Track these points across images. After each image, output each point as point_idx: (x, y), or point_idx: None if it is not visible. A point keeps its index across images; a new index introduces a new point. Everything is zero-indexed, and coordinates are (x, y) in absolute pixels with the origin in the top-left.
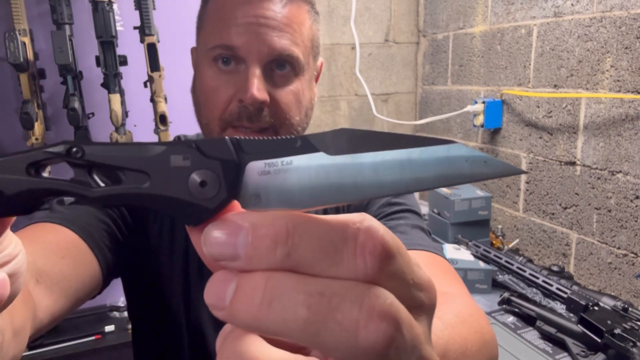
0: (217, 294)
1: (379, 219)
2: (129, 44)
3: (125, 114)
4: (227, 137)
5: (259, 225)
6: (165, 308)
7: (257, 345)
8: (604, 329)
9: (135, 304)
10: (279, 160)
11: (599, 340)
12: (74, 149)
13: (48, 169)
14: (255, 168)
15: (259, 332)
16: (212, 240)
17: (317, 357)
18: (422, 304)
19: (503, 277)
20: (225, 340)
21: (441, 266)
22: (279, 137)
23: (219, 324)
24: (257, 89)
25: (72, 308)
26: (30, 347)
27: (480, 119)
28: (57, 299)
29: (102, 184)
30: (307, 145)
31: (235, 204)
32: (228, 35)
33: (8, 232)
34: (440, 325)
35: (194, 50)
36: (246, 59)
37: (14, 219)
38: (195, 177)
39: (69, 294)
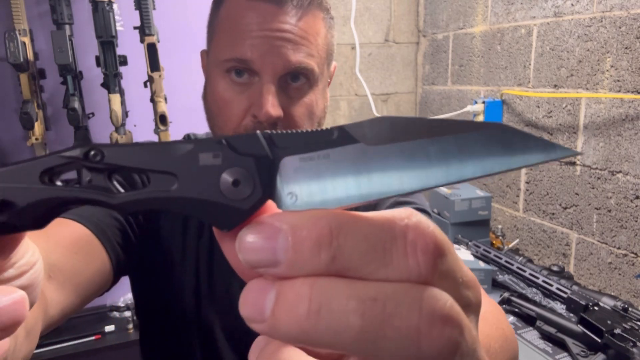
0: (255, 304)
1: (389, 206)
2: (129, 44)
3: (125, 114)
4: (259, 132)
5: (299, 227)
6: (176, 308)
7: (297, 357)
8: (604, 329)
9: (144, 304)
10: (315, 154)
11: (599, 340)
12: (92, 152)
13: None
14: (290, 164)
15: (305, 344)
16: (248, 245)
17: None
18: (470, 303)
19: (503, 277)
20: (262, 354)
21: None
22: (314, 130)
23: (229, 327)
24: (272, 105)
25: (82, 304)
26: None
27: (480, 119)
28: (68, 294)
29: (123, 190)
30: (345, 136)
31: (271, 204)
32: (242, 48)
33: (25, 239)
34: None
35: (204, 54)
36: (260, 73)
37: (26, 233)
38: (227, 176)
39: (80, 289)
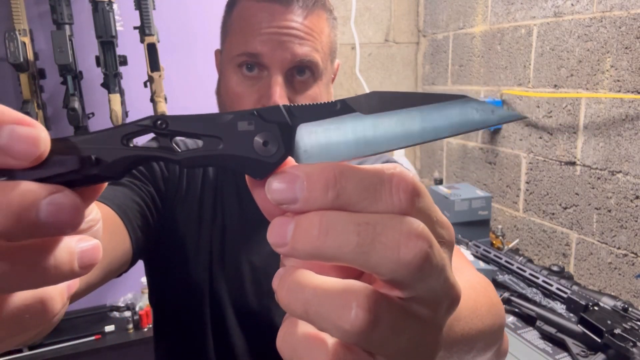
0: (279, 233)
1: None
2: (129, 44)
3: (125, 114)
4: (281, 105)
5: (312, 174)
6: (189, 284)
7: (309, 274)
8: (604, 329)
9: (158, 288)
10: (323, 122)
11: (599, 340)
12: (159, 121)
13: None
14: (305, 129)
15: (317, 259)
16: (274, 188)
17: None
18: (443, 238)
19: (503, 277)
20: (283, 277)
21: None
22: (323, 102)
23: (238, 303)
24: (280, 96)
25: (103, 281)
26: (30, 347)
27: None
28: (94, 269)
29: (183, 149)
30: (345, 107)
31: (290, 159)
32: (253, 43)
33: None
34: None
35: (217, 53)
36: (269, 66)
37: (106, 184)
38: (259, 138)
39: (103, 265)
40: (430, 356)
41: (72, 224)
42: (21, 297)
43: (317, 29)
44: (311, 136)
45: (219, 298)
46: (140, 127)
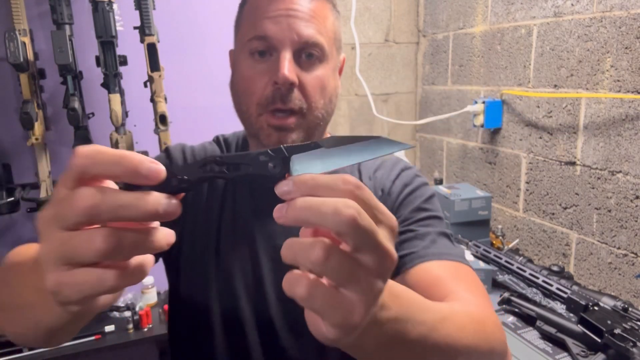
0: (279, 210)
1: (410, 224)
2: (129, 44)
3: (125, 114)
4: (282, 146)
5: (299, 178)
6: (199, 264)
7: (297, 237)
8: (604, 329)
9: (174, 286)
10: (305, 153)
11: (599, 340)
12: (218, 158)
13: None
14: (295, 157)
15: (301, 224)
16: (280, 188)
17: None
18: (381, 219)
19: (503, 277)
20: (286, 242)
21: (465, 274)
22: (305, 143)
23: (245, 279)
24: (288, 70)
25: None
26: (30, 347)
27: (480, 119)
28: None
29: (231, 172)
30: (316, 145)
31: (287, 175)
32: (262, 26)
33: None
34: (438, 316)
35: (232, 53)
36: (278, 47)
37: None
38: (271, 164)
39: None
40: (372, 294)
41: (175, 215)
42: (137, 260)
43: (321, 15)
44: (299, 161)
45: (227, 274)
46: (209, 160)
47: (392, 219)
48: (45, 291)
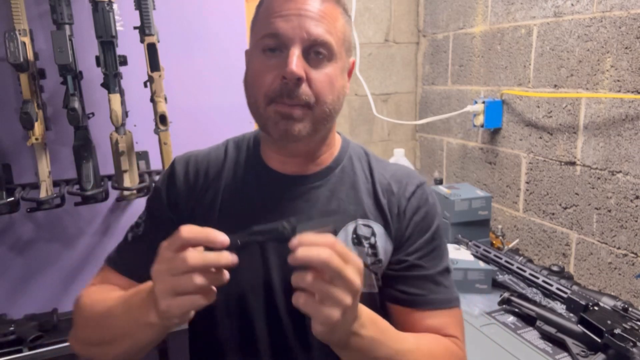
0: (290, 255)
1: (421, 257)
2: (129, 44)
3: (125, 114)
4: (291, 218)
5: (300, 239)
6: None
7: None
8: (604, 329)
9: None
10: (306, 222)
11: (599, 340)
12: (254, 227)
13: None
14: (299, 225)
15: (301, 261)
16: (292, 243)
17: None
18: (348, 261)
19: (503, 277)
20: (295, 276)
21: (458, 320)
22: (308, 221)
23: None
24: (296, 65)
25: None
26: (30, 347)
27: (480, 119)
28: None
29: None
30: (309, 217)
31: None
32: (274, 24)
33: None
34: (405, 346)
35: (247, 52)
36: (288, 44)
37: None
38: (288, 227)
39: None
40: (342, 305)
41: (235, 264)
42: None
43: (331, 16)
44: (300, 227)
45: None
46: (251, 232)
47: (358, 262)
48: (147, 320)
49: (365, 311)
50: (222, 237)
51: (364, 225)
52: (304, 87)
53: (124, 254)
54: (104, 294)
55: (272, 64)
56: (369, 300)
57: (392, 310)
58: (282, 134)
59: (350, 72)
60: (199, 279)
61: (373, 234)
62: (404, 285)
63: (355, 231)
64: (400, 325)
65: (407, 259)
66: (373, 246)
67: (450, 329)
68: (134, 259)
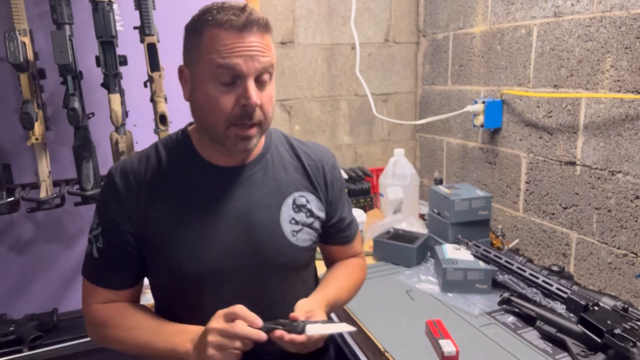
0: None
1: (344, 209)
2: (129, 44)
3: (125, 114)
4: (304, 321)
5: (308, 335)
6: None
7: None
8: (604, 329)
9: (154, 283)
10: (313, 324)
11: (599, 340)
12: (279, 322)
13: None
14: (307, 326)
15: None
16: (301, 337)
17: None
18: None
19: (503, 277)
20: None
21: (360, 237)
22: (318, 322)
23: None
24: (256, 96)
25: None
26: (30, 347)
27: (480, 119)
28: None
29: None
30: (321, 322)
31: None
32: (230, 60)
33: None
34: (345, 293)
35: (184, 70)
36: (243, 77)
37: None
38: (298, 327)
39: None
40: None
41: (263, 340)
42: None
43: (269, 45)
44: (309, 328)
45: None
46: (275, 322)
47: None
48: (185, 357)
49: (324, 302)
50: (259, 321)
51: (300, 196)
52: (257, 110)
53: (102, 272)
54: (134, 320)
55: (228, 92)
56: (312, 249)
57: (331, 248)
58: (241, 150)
59: None
60: (238, 344)
61: (307, 201)
62: (341, 233)
63: (294, 202)
64: (337, 254)
65: (339, 217)
66: (310, 210)
67: (359, 247)
68: (111, 274)
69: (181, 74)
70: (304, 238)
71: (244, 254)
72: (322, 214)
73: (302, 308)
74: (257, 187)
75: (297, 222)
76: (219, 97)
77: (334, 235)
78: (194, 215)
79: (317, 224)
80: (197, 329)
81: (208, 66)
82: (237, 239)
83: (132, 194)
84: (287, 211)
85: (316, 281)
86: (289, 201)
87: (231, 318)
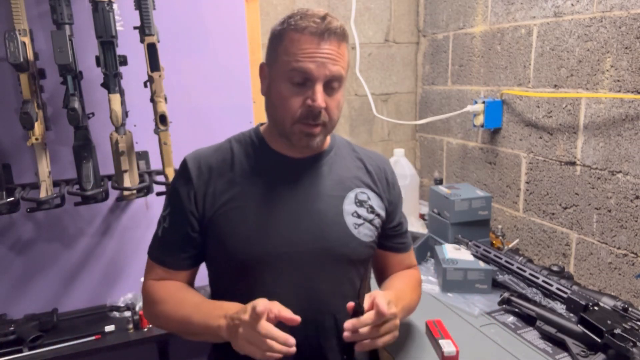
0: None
1: (402, 215)
2: (129, 44)
3: (125, 114)
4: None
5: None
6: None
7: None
8: (604, 329)
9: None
10: None
11: (599, 340)
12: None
13: None
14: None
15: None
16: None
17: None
18: (401, 307)
19: (503, 277)
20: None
21: (413, 251)
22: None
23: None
24: (321, 100)
25: None
26: (30, 347)
27: (480, 119)
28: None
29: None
30: None
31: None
32: (304, 64)
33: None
34: (408, 297)
35: (264, 67)
36: (313, 81)
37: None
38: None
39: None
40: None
41: (291, 344)
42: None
43: (343, 54)
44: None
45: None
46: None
47: (399, 306)
48: (219, 335)
49: (394, 297)
50: (294, 320)
51: (361, 192)
52: (323, 112)
53: (162, 250)
54: (180, 296)
55: (298, 92)
56: (372, 247)
57: (387, 255)
58: (304, 145)
59: None
60: (267, 343)
61: (369, 198)
62: (399, 238)
63: (356, 197)
64: (392, 263)
65: (398, 220)
66: (371, 206)
67: (414, 260)
68: (169, 252)
69: (262, 70)
70: (365, 233)
71: (306, 240)
72: (382, 212)
73: (383, 296)
74: (322, 179)
75: (359, 216)
76: (289, 96)
77: (392, 239)
78: (259, 201)
79: (377, 222)
80: (232, 307)
81: (284, 66)
82: (300, 226)
83: (202, 179)
84: (349, 204)
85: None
86: (351, 195)
87: (263, 313)
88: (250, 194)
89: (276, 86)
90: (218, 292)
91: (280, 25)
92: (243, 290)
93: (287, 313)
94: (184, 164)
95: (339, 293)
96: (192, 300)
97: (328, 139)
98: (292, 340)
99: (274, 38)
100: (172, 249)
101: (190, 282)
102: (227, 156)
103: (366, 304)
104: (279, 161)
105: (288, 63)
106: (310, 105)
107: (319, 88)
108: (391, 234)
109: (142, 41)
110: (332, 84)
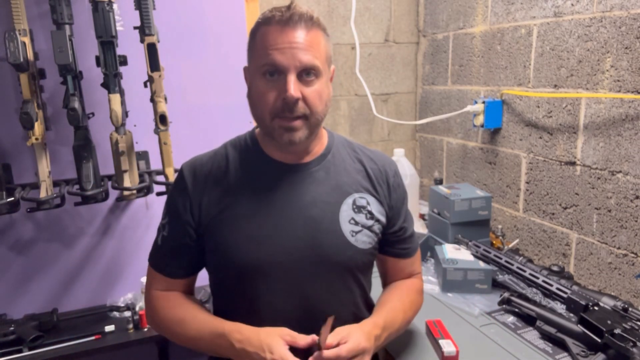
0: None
1: (406, 218)
2: (129, 44)
3: (125, 114)
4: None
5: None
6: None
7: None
8: (604, 329)
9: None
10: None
11: (599, 340)
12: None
13: None
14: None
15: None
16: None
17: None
18: (385, 331)
19: (503, 277)
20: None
21: (418, 255)
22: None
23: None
24: (294, 89)
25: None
26: (30, 347)
27: (480, 119)
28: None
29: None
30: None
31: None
32: (271, 56)
33: None
34: (398, 324)
35: (246, 70)
36: (285, 72)
37: None
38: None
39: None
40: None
41: None
42: None
43: (316, 42)
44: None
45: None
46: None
47: (386, 332)
48: (227, 355)
49: (377, 325)
50: (306, 341)
51: (360, 197)
52: (301, 104)
53: (161, 258)
54: (187, 312)
55: (272, 87)
56: (372, 254)
57: (389, 260)
58: (286, 141)
59: (331, 78)
60: None
61: (368, 203)
62: (401, 244)
63: (354, 202)
64: (394, 269)
65: (400, 225)
66: (370, 212)
67: (417, 267)
68: (169, 261)
69: (245, 73)
70: (363, 240)
71: (302, 248)
72: (382, 218)
73: (339, 333)
74: (318, 185)
75: (356, 223)
76: (265, 91)
77: (394, 245)
78: (254, 209)
79: (377, 228)
80: (237, 335)
81: (257, 62)
82: (295, 234)
83: (198, 187)
84: (346, 211)
85: (370, 302)
86: (349, 201)
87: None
88: (245, 202)
89: (254, 84)
90: (218, 295)
91: (255, 24)
92: (241, 298)
93: (302, 342)
94: (180, 173)
95: (335, 301)
96: (196, 318)
97: (325, 140)
98: None
99: (250, 38)
100: (171, 258)
101: (190, 288)
102: (222, 163)
103: (338, 337)
104: (273, 167)
105: (260, 58)
106: (284, 97)
107: (290, 78)
108: (393, 240)
109: (142, 41)
110: (307, 74)
